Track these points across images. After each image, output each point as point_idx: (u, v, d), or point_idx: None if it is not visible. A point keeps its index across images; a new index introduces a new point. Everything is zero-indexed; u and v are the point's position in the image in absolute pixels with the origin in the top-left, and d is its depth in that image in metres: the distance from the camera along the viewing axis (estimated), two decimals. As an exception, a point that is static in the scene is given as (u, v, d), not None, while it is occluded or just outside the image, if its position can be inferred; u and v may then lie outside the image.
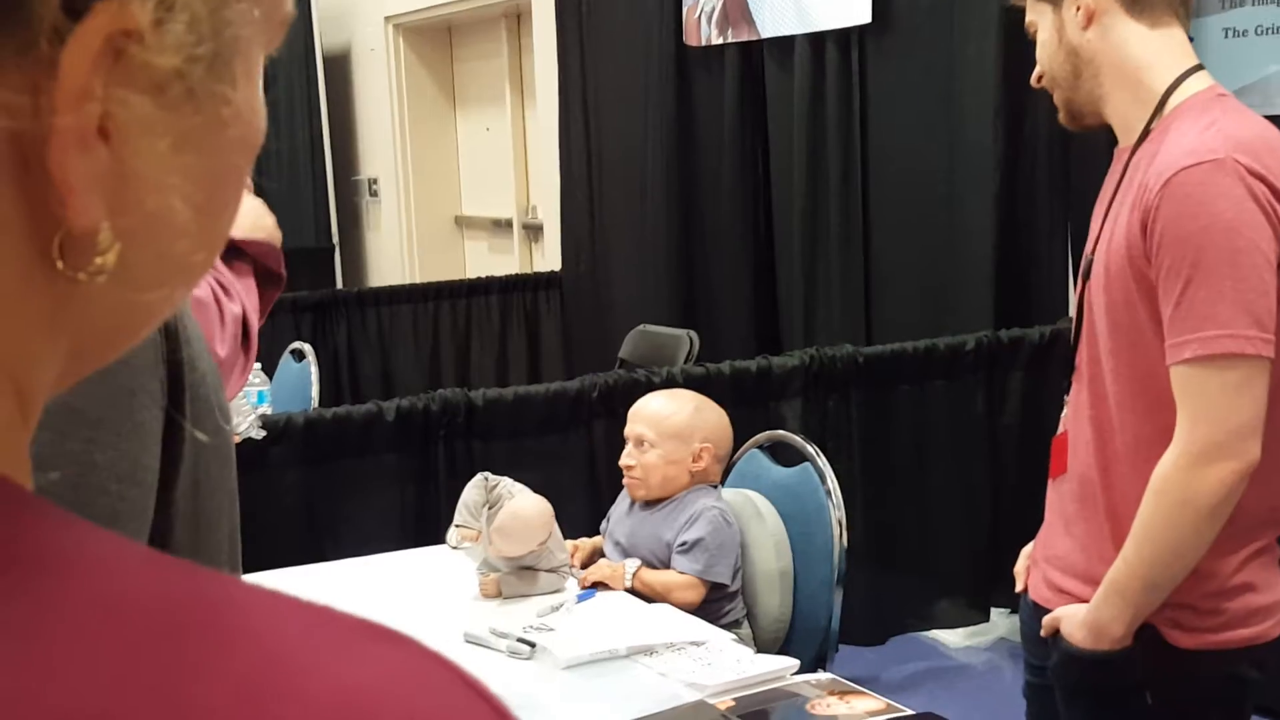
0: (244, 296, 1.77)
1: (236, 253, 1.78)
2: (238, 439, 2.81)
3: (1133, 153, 1.66)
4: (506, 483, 2.41)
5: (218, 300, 1.62)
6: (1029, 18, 1.76)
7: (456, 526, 2.54)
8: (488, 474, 2.46)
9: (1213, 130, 1.56)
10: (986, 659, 3.87)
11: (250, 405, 2.89)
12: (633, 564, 2.40)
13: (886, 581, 3.64)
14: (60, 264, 0.36)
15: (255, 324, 1.75)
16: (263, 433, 2.90)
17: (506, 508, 2.31)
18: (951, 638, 3.92)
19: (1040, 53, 1.74)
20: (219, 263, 1.92)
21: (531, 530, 2.31)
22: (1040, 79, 1.76)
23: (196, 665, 0.31)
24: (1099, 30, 1.67)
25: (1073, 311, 3.81)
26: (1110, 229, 1.65)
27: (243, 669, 0.31)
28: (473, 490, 2.46)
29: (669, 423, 2.48)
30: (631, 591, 2.36)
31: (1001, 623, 3.89)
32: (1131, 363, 1.63)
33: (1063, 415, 1.83)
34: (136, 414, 0.73)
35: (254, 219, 1.83)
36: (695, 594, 2.36)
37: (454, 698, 0.34)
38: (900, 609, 3.77)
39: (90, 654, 0.31)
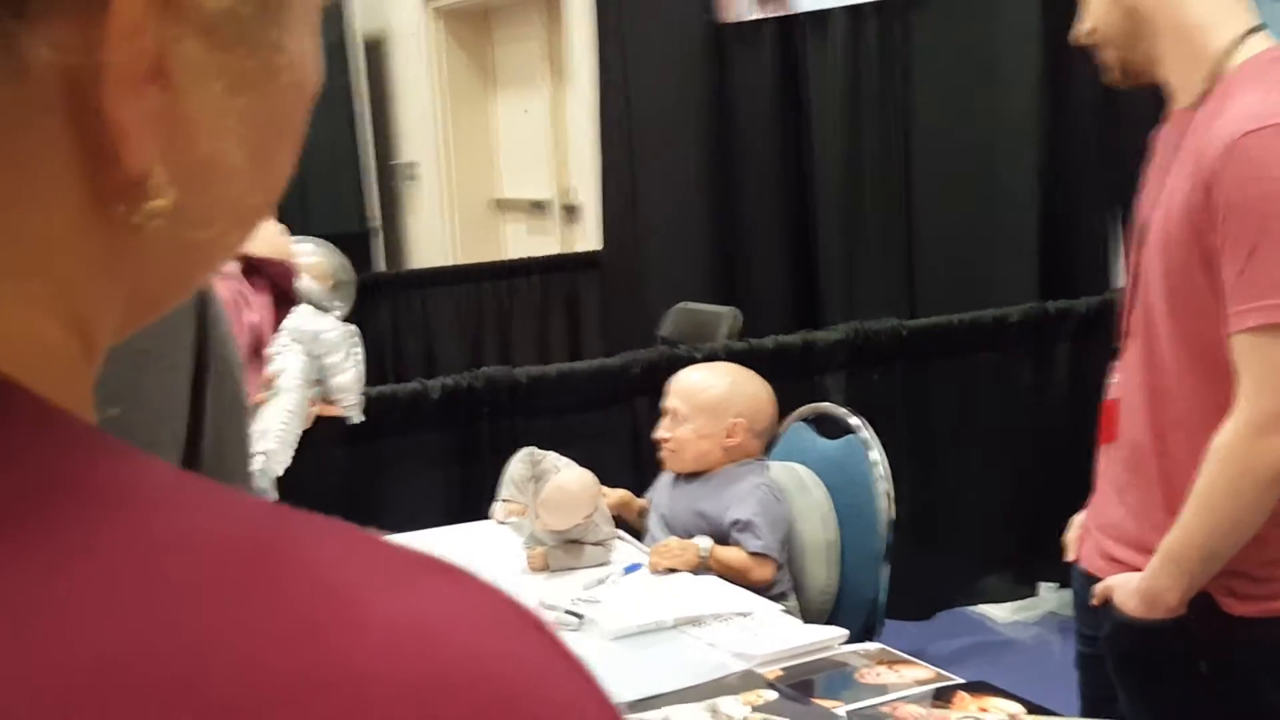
0: (261, 310, 1.83)
1: (254, 270, 1.83)
2: (339, 412, 2.82)
3: (1190, 115, 1.63)
4: (552, 457, 2.42)
5: (237, 307, 1.67)
6: None
7: (503, 501, 2.56)
8: (534, 449, 2.47)
9: (1277, 93, 1.52)
10: (1035, 634, 3.85)
11: (360, 386, 2.86)
12: (705, 542, 2.36)
13: (932, 556, 3.63)
14: (116, 207, 0.36)
15: (269, 337, 1.80)
16: (362, 417, 2.90)
17: (552, 481, 2.32)
18: (999, 612, 3.90)
19: (1094, 8, 1.70)
20: (240, 275, 1.96)
21: (577, 504, 2.31)
22: (1087, 34, 1.73)
23: (260, 599, 0.31)
24: None
25: (1122, 281, 3.78)
26: (1168, 193, 1.62)
27: (301, 601, 0.31)
28: (518, 465, 2.48)
29: (702, 397, 2.47)
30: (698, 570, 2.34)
31: (1050, 597, 3.87)
32: (1189, 329, 1.61)
33: (1111, 381, 1.80)
34: (165, 377, 0.76)
35: (272, 243, 1.88)
36: (769, 569, 2.35)
37: (512, 628, 0.34)
38: (946, 583, 3.75)
39: (164, 588, 0.31)
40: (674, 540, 2.39)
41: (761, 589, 2.29)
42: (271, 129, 0.40)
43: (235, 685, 0.29)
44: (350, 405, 2.84)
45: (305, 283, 2.53)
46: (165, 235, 0.37)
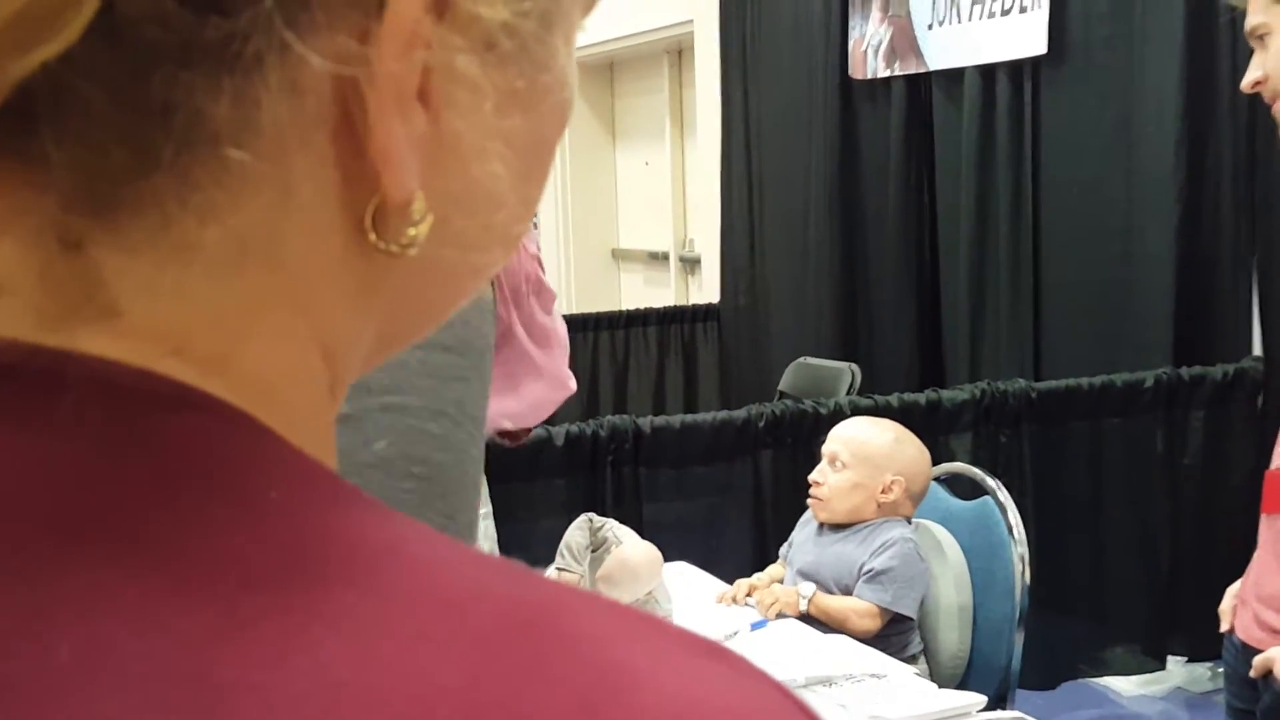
0: None
1: None
2: None
3: None
4: (612, 525, 2.36)
5: None
6: (1255, 20, 1.68)
7: (558, 570, 2.46)
8: (592, 515, 2.41)
9: None
10: (1161, 709, 3.72)
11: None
12: (808, 588, 2.35)
13: (1058, 624, 3.53)
14: (373, 236, 0.34)
15: None
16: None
17: (615, 554, 2.26)
18: (1125, 685, 3.78)
19: (1272, 60, 1.66)
20: None
21: (638, 580, 2.25)
22: (1256, 85, 1.68)
23: (535, 670, 0.29)
24: None
25: (1258, 349, 3.68)
26: None
27: (578, 678, 0.29)
28: (576, 532, 2.39)
29: (866, 447, 2.43)
30: (805, 618, 2.32)
31: (1178, 671, 3.74)
32: None
33: (1278, 449, 1.75)
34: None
35: None
36: (874, 623, 2.31)
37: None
38: (1071, 653, 3.65)
39: (435, 653, 0.29)
40: (777, 587, 2.40)
41: (864, 641, 2.24)
42: (533, 154, 0.38)
43: None
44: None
45: None
46: (421, 264, 0.36)
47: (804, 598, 2.33)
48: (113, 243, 0.31)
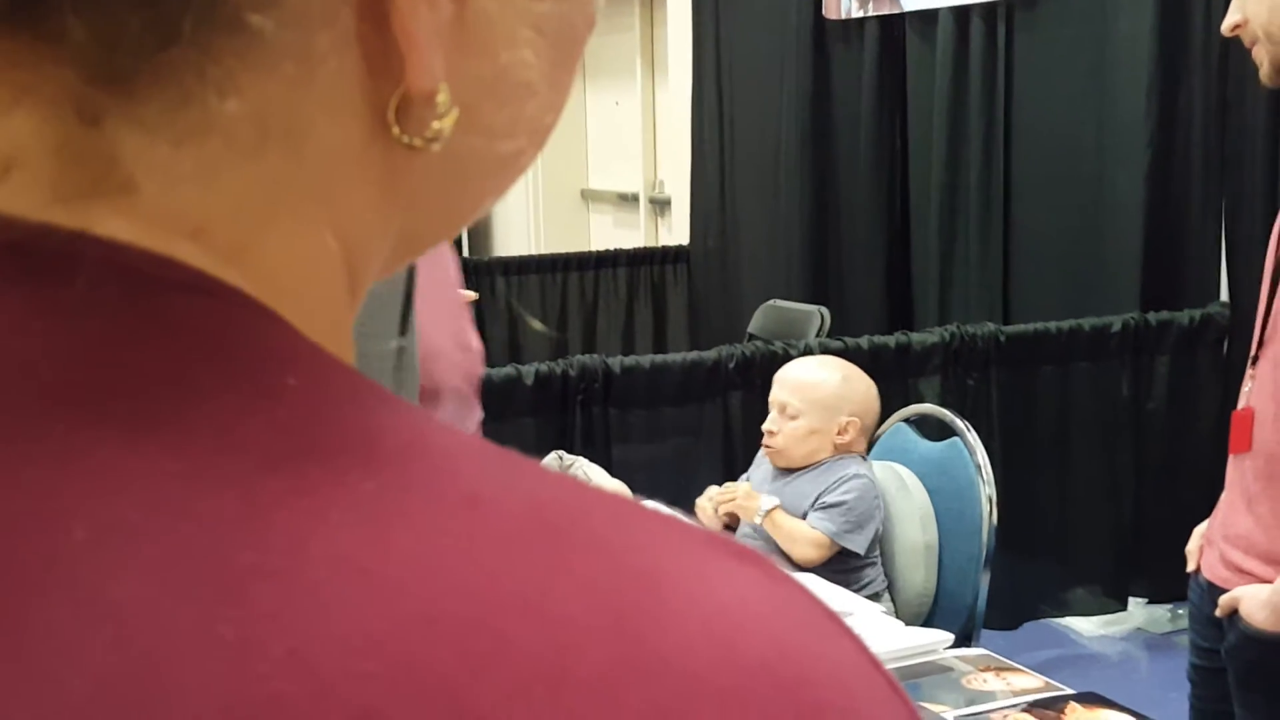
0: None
1: None
2: None
3: None
4: (581, 463, 2.37)
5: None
6: None
7: None
8: (562, 452, 2.43)
9: None
10: (1121, 649, 3.78)
11: None
12: (769, 501, 2.35)
13: (1021, 565, 3.57)
14: (396, 129, 0.33)
15: None
16: None
17: None
18: (1086, 626, 3.84)
19: (1253, 2, 1.65)
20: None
21: None
22: (1236, 28, 1.67)
23: (561, 573, 0.28)
24: None
25: (1225, 295, 3.71)
26: None
27: (604, 581, 0.28)
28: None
29: (817, 392, 2.42)
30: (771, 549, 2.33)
31: (1138, 613, 3.81)
32: None
33: (1244, 390, 1.76)
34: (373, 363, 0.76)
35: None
36: (818, 553, 2.31)
37: (823, 628, 0.30)
38: (1033, 594, 3.70)
39: (456, 546, 0.28)
40: (740, 485, 2.38)
41: (836, 583, 2.25)
42: (564, 43, 0.37)
43: (537, 679, 0.26)
44: None
45: None
46: (446, 160, 0.35)
47: (763, 509, 2.33)
48: (131, 119, 0.30)
